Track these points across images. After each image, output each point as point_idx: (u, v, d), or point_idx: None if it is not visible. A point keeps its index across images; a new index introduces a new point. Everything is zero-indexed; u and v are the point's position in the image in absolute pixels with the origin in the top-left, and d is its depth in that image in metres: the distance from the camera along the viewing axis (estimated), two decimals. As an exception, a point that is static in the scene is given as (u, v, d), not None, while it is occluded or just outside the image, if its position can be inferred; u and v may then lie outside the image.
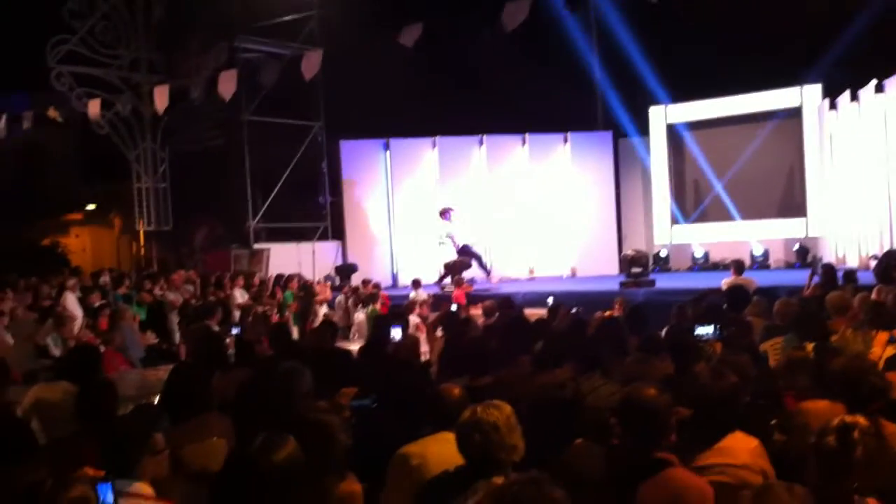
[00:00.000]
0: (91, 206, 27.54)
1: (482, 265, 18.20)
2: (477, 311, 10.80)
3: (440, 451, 3.83)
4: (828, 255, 17.59)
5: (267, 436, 2.88)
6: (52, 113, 18.82)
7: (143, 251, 22.26)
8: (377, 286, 15.40)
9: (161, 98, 17.09)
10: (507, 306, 9.79)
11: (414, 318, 11.16)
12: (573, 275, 20.39)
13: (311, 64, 15.29)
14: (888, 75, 15.75)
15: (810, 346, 6.02)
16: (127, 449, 3.44)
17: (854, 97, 17.09)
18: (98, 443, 3.60)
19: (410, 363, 6.43)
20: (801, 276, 13.23)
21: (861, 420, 3.26)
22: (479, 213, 19.85)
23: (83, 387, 4.75)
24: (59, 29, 19.66)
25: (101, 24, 20.30)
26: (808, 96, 18.92)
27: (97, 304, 14.46)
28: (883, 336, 6.71)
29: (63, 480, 2.81)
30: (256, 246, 19.86)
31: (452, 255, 17.84)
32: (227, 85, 15.94)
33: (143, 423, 3.58)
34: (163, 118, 20.91)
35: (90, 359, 5.89)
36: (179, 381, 4.75)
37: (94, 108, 18.20)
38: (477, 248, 18.32)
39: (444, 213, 18.28)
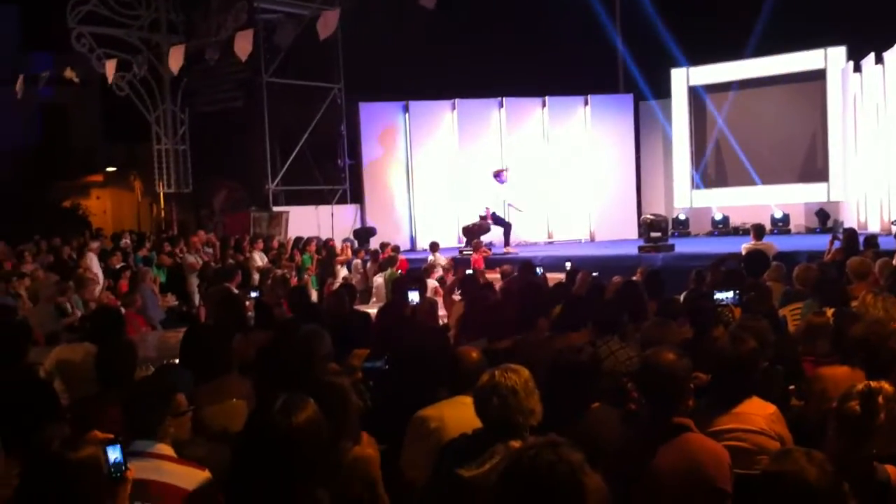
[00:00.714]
0: (111, 168, 27.62)
1: (507, 235, 17.91)
2: (495, 275, 10.82)
3: (458, 414, 3.86)
4: (849, 220, 17.44)
5: (287, 397, 2.90)
6: (69, 73, 18.83)
7: (163, 213, 22.35)
8: (396, 249, 15.42)
9: (176, 58, 17.06)
10: (527, 270, 9.79)
11: (432, 282, 11.19)
12: (592, 239, 20.36)
13: (328, 23, 15.21)
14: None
15: (830, 312, 5.99)
16: (149, 410, 3.47)
17: (879, 60, 16.85)
18: (120, 403, 3.65)
19: (428, 326, 6.45)
20: (821, 241, 13.10)
21: (886, 386, 3.25)
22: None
23: (103, 348, 4.79)
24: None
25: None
26: (832, 59, 18.65)
27: (118, 266, 14.58)
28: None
29: (72, 441, 2.84)
30: (275, 208, 19.89)
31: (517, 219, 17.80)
32: (244, 44, 15.89)
33: (165, 384, 3.61)
34: (182, 79, 20.90)
35: (112, 320, 5.94)
36: (197, 341, 4.78)
37: (110, 69, 18.19)
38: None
39: (499, 175, 17.99)
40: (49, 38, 20.92)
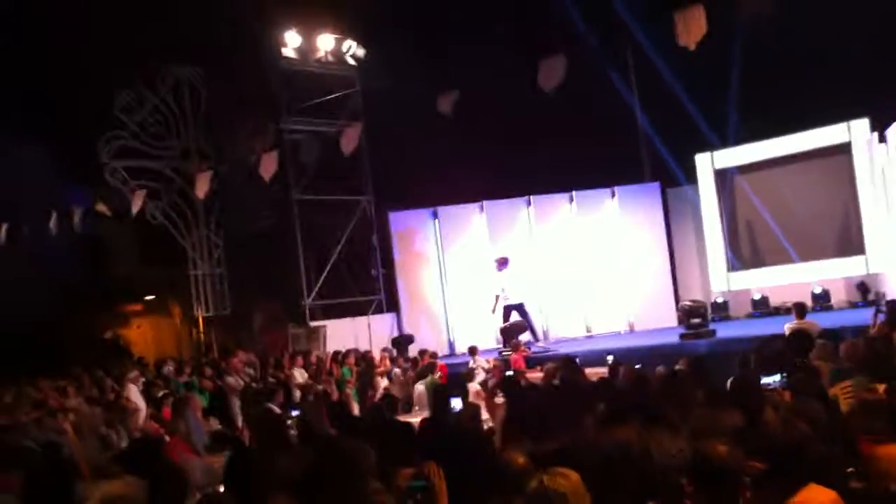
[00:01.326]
0: (150, 297, 27.95)
1: (532, 328, 17.95)
2: (536, 375, 10.71)
3: (508, 523, 3.76)
4: (891, 291, 17.19)
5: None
6: (101, 207, 19.25)
7: (202, 337, 22.49)
8: (434, 356, 15.39)
9: (202, 185, 17.46)
10: (568, 367, 9.68)
11: (474, 386, 11.10)
12: (631, 330, 20.19)
13: (351, 138, 15.55)
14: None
15: (882, 387, 5.86)
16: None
17: (903, 128, 16.87)
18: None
19: (472, 432, 6.36)
20: (865, 315, 12.89)
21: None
22: (531, 274, 19.79)
23: (152, 478, 4.76)
24: (112, 124, 20.26)
25: (151, 117, 20.90)
26: (855, 131, 18.68)
27: (160, 394, 14.62)
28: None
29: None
30: (313, 324, 19.95)
31: (503, 311, 17.80)
32: (268, 165, 16.24)
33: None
34: (215, 204, 21.34)
35: (152, 449, 5.91)
36: (240, 466, 4.74)
37: (137, 201, 18.60)
38: (529, 308, 18.15)
39: (502, 264, 18.18)
40: (84, 173, 21.47)
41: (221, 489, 4.96)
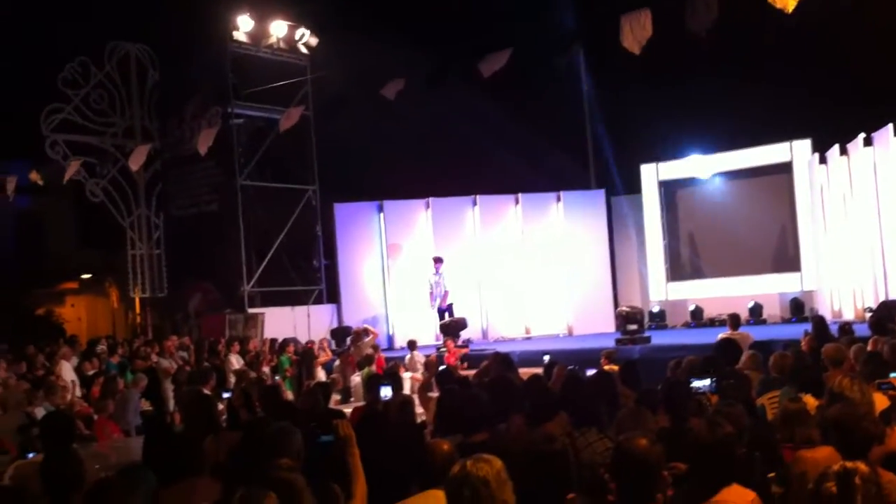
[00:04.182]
0: (86, 276, 27.51)
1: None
2: (469, 373, 10.72)
3: (429, 509, 3.76)
4: (823, 309, 17.54)
5: (246, 491, 2.81)
6: (34, 176, 18.87)
7: (138, 318, 22.18)
8: (375, 348, 15.42)
9: (138, 157, 17.21)
10: (502, 364, 9.70)
11: (411, 378, 11.10)
12: (569, 333, 20.34)
13: (290, 118, 15.41)
14: (876, 128, 15.90)
15: (807, 398, 5.96)
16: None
17: (843, 151, 17.22)
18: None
19: (399, 421, 6.36)
20: (797, 330, 13.16)
21: (861, 466, 3.19)
22: (473, 274, 19.85)
23: (46, 457, 4.67)
24: (55, 97, 19.88)
25: (95, 92, 20.55)
26: (797, 151, 19.03)
27: (91, 372, 14.40)
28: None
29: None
30: (251, 310, 19.77)
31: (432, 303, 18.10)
32: (205, 140, 16.04)
33: (126, 486, 3.51)
34: (157, 184, 21.07)
35: (60, 427, 5.80)
36: (160, 441, 4.67)
37: (71, 169, 18.24)
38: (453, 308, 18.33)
39: (436, 262, 18.44)
40: (26, 146, 21.07)
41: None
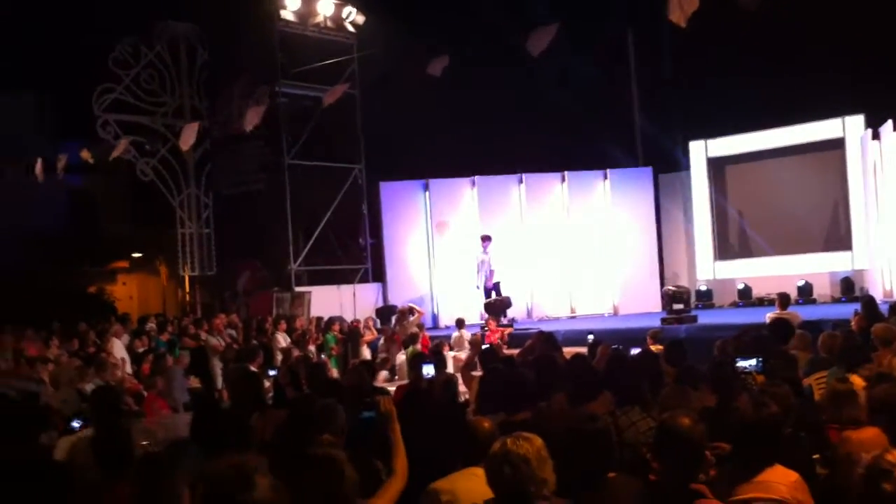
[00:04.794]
0: (137, 255, 27.91)
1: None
2: (513, 352, 10.73)
3: (470, 486, 3.79)
4: (874, 288, 17.26)
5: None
6: (85, 155, 19.13)
7: (187, 297, 22.48)
8: (420, 326, 15.50)
9: (188, 136, 17.32)
10: (546, 343, 9.70)
11: (450, 358, 11.14)
12: (615, 312, 20.24)
13: (335, 94, 15.41)
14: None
15: (854, 378, 5.89)
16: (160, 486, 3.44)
17: (897, 127, 16.88)
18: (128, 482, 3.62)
19: (443, 399, 6.39)
20: (847, 310, 12.99)
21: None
22: (518, 253, 19.79)
23: (97, 434, 4.76)
24: (106, 77, 20.15)
25: (145, 72, 20.79)
26: (850, 127, 18.69)
27: (141, 349, 14.64)
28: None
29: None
30: (298, 289, 19.94)
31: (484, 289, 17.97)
32: (252, 118, 16.11)
33: (173, 460, 3.58)
34: (206, 164, 21.28)
35: (108, 402, 5.91)
36: (208, 416, 4.75)
37: (121, 147, 18.44)
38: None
39: (484, 240, 18.33)
40: (76, 125, 21.41)
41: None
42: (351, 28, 20.88)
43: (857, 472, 3.25)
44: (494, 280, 18.08)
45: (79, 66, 21.09)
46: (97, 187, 27.37)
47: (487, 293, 17.95)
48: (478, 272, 18.25)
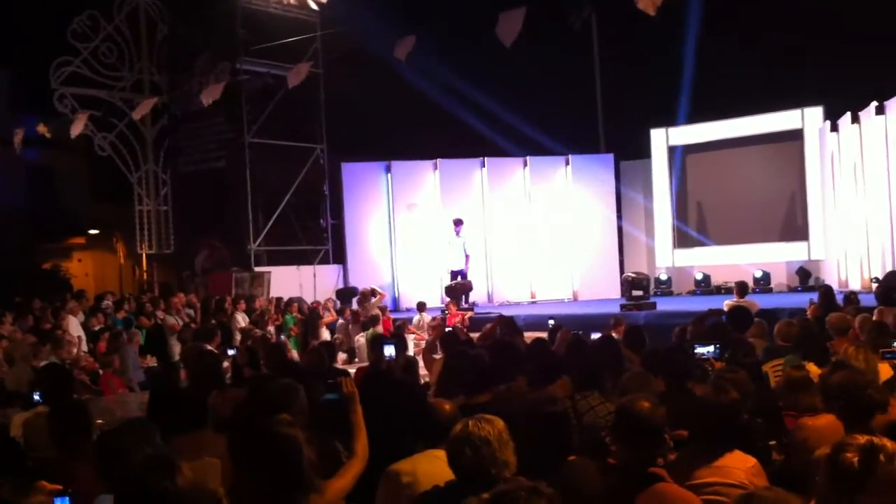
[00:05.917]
0: (94, 231, 27.52)
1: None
2: (474, 335, 10.75)
3: (431, 467, 3.78)
4: (830, 278, 17.52)
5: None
6: (42, 129, 18.78)
7: (145, 275, 22.23)
8: (383, 309, 15.46)
9: (143, 109, 17.06)
10: (507, 327, 9.73)
11: (411, 340, 11.14)
12: (575, 298, 20.34)
13: (299, 74, 15.29)
14: (888, 97, 15.76)
15: (810, 366, 5.97)
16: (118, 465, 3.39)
17: (855, 119, 17.08)
18: (88, 460, 3.57)
19: (402, 380, 6.38)
20: (802, 299, 13.21)
21: (888, 444, 3.11)
22: (480, 237, 19.80)
23: (53, 410, 4.69)
24: (64, 50, 19.79)
25: (104, 45, 20.43)
26: (809, 118, 18.91)
27: (97, 327, 14.47)
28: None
29: (22, 488, 2.77)
30: (258, 269, 19.80)
31: (455, 261, 17.95)
32: (212, 93, 15.91)
33: (129, 438, 3.53)
34: (165, 140, 21.00)
35: (59, 379, 5.82)
36: (165, 394, 4.70)
37: (78, 124, 18.15)
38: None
39: (457, 224, 18.28)
40: (36, 100, 20.99)
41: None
42: (314, 6, 20.66)
43: (820, 455, 3.27)
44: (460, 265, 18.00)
45: (36, 39, 20.68)
46: (55, 162, 26.89)
47: (459, 275, 17.83)
48: (446, 255, 18.17)
